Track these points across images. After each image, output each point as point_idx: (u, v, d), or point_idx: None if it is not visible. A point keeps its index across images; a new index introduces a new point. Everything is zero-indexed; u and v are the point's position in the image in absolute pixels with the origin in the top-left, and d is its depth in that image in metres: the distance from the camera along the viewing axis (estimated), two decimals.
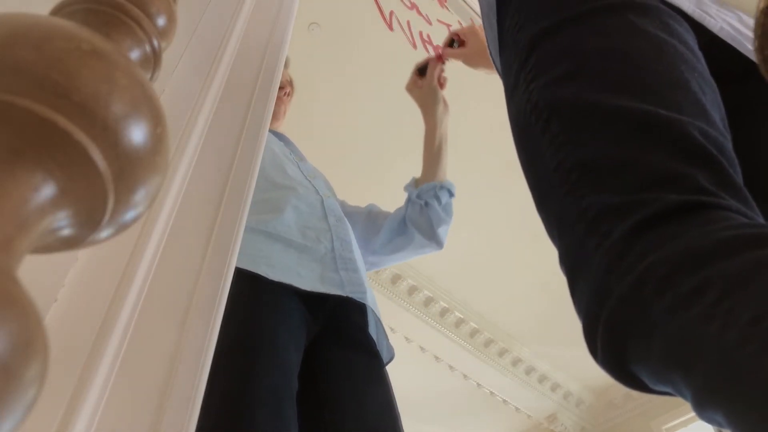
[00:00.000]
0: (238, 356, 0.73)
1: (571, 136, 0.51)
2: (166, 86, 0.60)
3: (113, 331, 0.42)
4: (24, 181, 0.18)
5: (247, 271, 0.81)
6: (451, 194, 1.25)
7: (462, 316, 4.22)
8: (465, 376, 4.44)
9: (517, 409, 4.80)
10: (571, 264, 0.49)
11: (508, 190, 3.28)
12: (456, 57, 1.24)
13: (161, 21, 0.29)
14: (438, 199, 1.21)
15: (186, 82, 0.64)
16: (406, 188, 1.26)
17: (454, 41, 1.25)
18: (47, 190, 0.18)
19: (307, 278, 0.86)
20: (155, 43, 0.27)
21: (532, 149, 0.57)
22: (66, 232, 0.20)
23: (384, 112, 3.05)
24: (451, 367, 4.36)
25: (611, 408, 4.97)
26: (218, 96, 0.67)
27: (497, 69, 0.78)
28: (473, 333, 4.33)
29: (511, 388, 4.65)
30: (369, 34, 2.72)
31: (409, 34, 1.79)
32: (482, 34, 0.78)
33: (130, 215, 0.22)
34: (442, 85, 1.33)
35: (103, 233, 0.22)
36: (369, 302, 0.93)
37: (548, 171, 0.53)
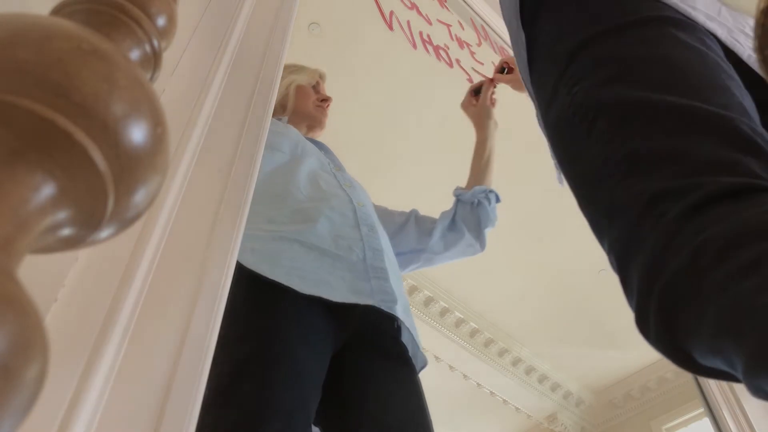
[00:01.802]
0: (255, 368, 0.73)
1: (619, 131, 0.52)
2: (166, 86, 0.60)
3: (113, 331, 0.42)
4: (24, 181, 0.18)
5: (278, 283, 0.81)
6: (497, 199, 1.37)
7: (462, 316, 4.22)
8: (465, 376, 4.44)
9: (517, 409, 4.80)
10: (622, 250, 0.49)
11: (509, 192, 3.28)
12: (505, 82, 1.41)
13: (161, 21, 0.29)
14: (488, 200, 1.34)
15: (186, 82, 0.64)
16: (456, 192, 1.38)
17: (504, 68, 1.44)
18: (47, 190, 0.18)
19: (338, 289, 0.86)
20: (155, 43, 0.27)
21: (576, 149, 0.58)
22: (66, 232, 0.20)
23: (384, 111, 3.05)
24: (451, 367, 4.36)
25: (611, 408, 4.97)
26: (218, 96, 0.67)
27: (526, 85, 0.79)
28: (473, 333, 4.33)
29: (511, 388, 4.65)
30: (369, 34, 2.73)
31: (409, 34, 1.79)
32: None
33: (130, 215, 0.22)
34: (493, 103, 1.50)
35: (103, 233, 0.22)
36: (399, 312, 0.93)
37: (596, 166, 0.54)
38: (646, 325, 0.45)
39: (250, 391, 0.71)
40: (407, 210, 1.39)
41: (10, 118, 0.18)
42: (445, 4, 1.99)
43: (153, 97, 0.22)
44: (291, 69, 1.38)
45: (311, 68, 1.41)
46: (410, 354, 0.98)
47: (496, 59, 2.15)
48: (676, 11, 0.60)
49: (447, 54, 1.90)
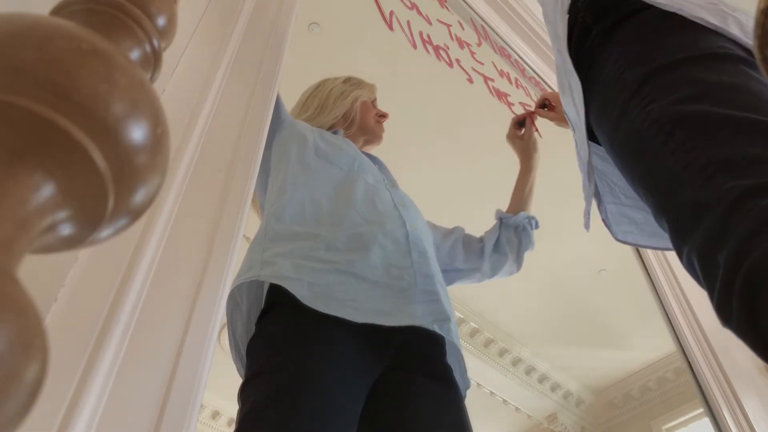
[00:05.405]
0: (284, 398, 0.74)
1: (702, 141, 0.54)
2: (166, 86, 0.60)
3: (113, 331, 0.42)
4: (24, 181, 0.18)
5: (333, 316, 0.82)
6: (536, 225, 1.45)
7: (462, 316, 4.22)
8: None
9: (517, 409, 4.80)
10: (709, 244, 0.50)
11: (509, 193, 3.28)
12: (545, 117, 1.47)
13: (161, 21, 0.29)
14: (531, 225, 1.43)
15: (186, 82, 0.64)
16: (498, 214, 1.45)
17: (545, 105, 1.50)
18: (47, 190, 0.18)
19: (391, 314, 0.87)
20: (155, 43, 0.27)
21: (651, 160, 0.60)
22: (66, 232, 0.20)
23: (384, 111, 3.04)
24: None
25: (611, 408, 4.98)
26: (218, 96, 0.67)
27: (573, 116, 0.80)
28: (473, 333, 4.33)
29: (511, 388, 4.65)
30: (369, 34, 2.73)
31: (409, 34, 1.79)
32: None
33: (130, 215, 0.22)
34: (539, 134, 1.57)
35: (103, 233, 0.22)
36: (451, 331, 0.94)
37: (674, 172, 0.55)
38: (728, 309, 0.45)
39: (278, 421, 0.71)
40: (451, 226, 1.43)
41: (10, 118, 0.18)
42: (445, 4, 1.99)
43: (153, 97, 0.22)
44: (353, 83, 1.40)
45: (368, 83, 1.44)
46: (458, 375, 0.98)
47: (497, 59, 2.15)
48: (747, 51, 0.63)
49: (447, 54, 1.90)
